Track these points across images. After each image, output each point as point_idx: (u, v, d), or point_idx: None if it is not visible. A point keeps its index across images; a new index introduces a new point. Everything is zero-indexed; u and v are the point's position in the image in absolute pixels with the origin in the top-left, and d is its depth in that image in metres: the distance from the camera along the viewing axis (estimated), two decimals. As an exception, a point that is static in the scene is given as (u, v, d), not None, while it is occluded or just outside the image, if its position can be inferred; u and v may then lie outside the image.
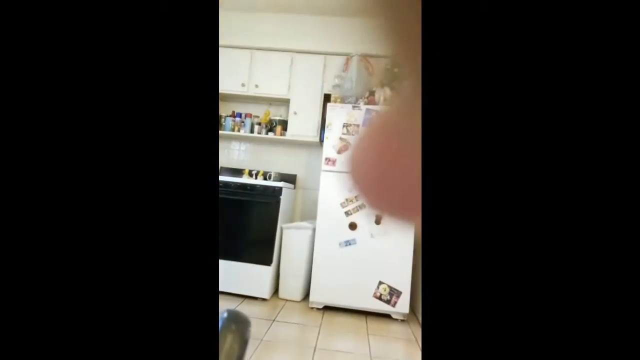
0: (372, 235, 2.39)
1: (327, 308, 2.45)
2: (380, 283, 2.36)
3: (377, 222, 2.39)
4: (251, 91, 2.99)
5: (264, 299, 2.48)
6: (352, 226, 2.42)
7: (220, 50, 3.03)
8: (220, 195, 2.56)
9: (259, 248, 2.50)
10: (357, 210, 2.42)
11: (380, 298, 2.36)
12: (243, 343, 0.35)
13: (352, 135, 2.45)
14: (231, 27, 3.04)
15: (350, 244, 2.41)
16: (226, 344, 0.34)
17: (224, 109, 3.22)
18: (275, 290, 2.62)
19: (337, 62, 2.92)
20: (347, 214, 2.43)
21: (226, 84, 3.00)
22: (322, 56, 2.96)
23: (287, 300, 2.53)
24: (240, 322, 0.37)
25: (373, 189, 0.15)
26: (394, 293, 2.35)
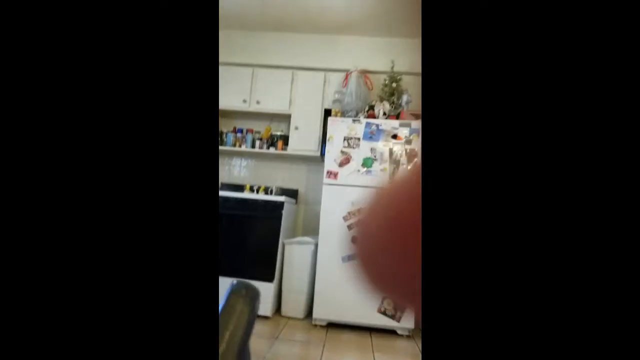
0: (375, 249, 2.36)
1: (331, 325, 2.39)
2: (385, 298, 2.31)
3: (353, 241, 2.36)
4: (253, 107, 3.02)
5: (265, 317, 2.42)
6: (355, 240, 2.39)
7: (223, 67, 3.09)
8: (221, 211, 2.54)
9: (261, 264, 2.46)
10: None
11: (384, 313, 2.31)
12: (253, 309, 0.33)
13: (353, 148, 2.46)
14: (233, 45, 3.10)
15: (353, 259, 2.38)
16: (237, 307, 0.32)
17: (226, 125, 3.24)
18: (277, 308, 2.57)
19: (337, 78, 2.96)
20: (349, 227, 2.40)
21: (228, 101, 3.03)
22: (322, 72, 3.00)
23: (289, 317, 2.48)
24: (250, 289, 0.35)
25: (376, 273, 0.15)
26: (399, 308, 2.30)
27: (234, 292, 0.34)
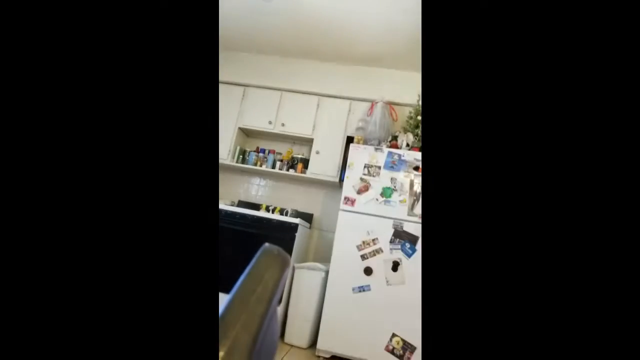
0: (388, 283, 2.27)
1: (335, 358, 2.27)
2: (394, 335, 2.20)
3: (394, 268, 2.28)
4: (277, 129, 3.07)
5: (268, 342, 2.33)
6: (368, 271, 2.31)
7: (252, 89, 3.18)
8: (234, 227, 2.53)
9: (269, 285, 2.40)
10: (374, 255, 2.33)
11: (392, 352, 2.18)
12: (283, 273, 0.31)
13: (373, 176, 2.44)
14: (265, 68, 3.21)
15: (364, 290, 2.29)
16: (268, 266, 0.30)
17: (250, 144, 3.30)
18: (281, 334, 2.47)
19: (362, 107, 2.99)
20: (363, 257, 2.34)
21: (254, 121, 3.10)
22: (348, 101, 3.05)
23: (292, 345, 2.38)
24: (282, 253, 0.33)
25: None
26: (408, 348, 2.17)
27: (265, 251, 0.33)
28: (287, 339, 2.40)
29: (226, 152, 3.07)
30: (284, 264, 0.33)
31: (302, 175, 2.99)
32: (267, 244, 0.35)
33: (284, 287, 0.33)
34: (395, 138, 2.66)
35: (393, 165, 2.43)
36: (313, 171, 2.95)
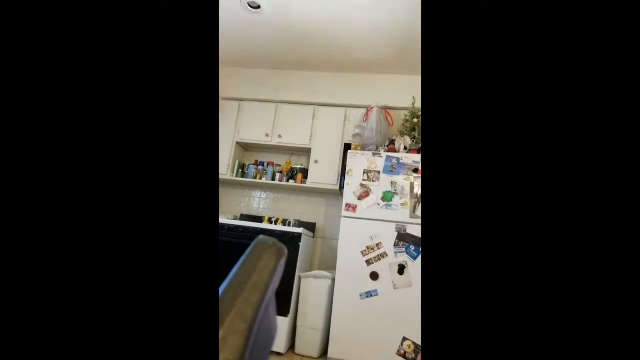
0: (395, 286, 2.27)
1: (347, 367, 2.25)
2: (405, 339, 2.19)
3: (400, 272, 2.28)
4: (275, 141, 3.10)
5: (279, 354, 2.32)
6: (374, 276, 2.31)
7: (248, 103, 3.22)
8: (238, 240, 2.53)
9: (275, 296, 2.39)
10: (379, 259, 2.33)
11: (404, 356, 2.17)
12: (277, 264, 0.31)
13: (373, 182, 2.45)
14: (259, 82, 3.25)
15: (371, 295, 2.29)
16: (263, 256, 0.30)
17: (248, 158, 3.32)
18: (291, 345, 2.46)
19: (358, 114, 3.02)
20: (368, 263, 2.34)
21: (251, 134, 3.13)
22: (343, 109, 3.08)
23: (303, 356, 2.36)
24: (278, 244, 0.34)
25: None
26: (420, 351, 2.16)
27: (260, 242, 0.33)
28: (297, 349, 2.39)
29: (225, 167, 3.09)
30: (280, 254, 0.34)
31: (302, 185, 3.01)
32: (261, 236, 0.36)
33: (280, 276, 0.34)
34: (392, 142, 2.68)
35: (392, 169, 2.45)
36: (313, 180, 2.97)
